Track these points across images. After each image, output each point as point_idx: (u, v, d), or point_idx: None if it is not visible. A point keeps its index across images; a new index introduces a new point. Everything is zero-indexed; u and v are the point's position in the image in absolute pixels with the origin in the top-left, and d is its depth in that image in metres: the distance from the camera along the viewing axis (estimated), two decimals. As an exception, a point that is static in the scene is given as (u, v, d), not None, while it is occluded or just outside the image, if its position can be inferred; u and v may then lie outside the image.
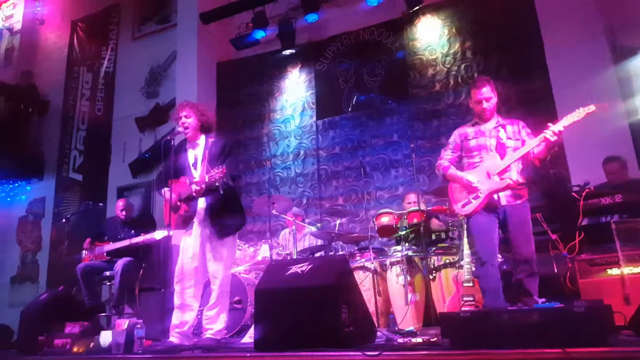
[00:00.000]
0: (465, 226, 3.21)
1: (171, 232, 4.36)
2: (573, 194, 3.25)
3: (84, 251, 5.01)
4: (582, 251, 3.02)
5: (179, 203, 3.38)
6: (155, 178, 5.15)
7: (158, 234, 4.59)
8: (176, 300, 3.34)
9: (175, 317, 3.31)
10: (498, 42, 5.41)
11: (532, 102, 5.10)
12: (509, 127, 3.09)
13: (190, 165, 3.43)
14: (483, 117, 3.12)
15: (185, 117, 3.40)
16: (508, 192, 2.95)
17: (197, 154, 3.44)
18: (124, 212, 5.19)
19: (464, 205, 3.02)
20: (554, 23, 4.94)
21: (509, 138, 3.04)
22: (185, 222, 3.40)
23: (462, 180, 3.04)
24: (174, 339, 3.23)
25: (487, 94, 3.08)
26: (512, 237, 2.89)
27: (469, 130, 3.16)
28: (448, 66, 5.66)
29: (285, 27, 6.24)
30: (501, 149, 3.01)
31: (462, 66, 5.59)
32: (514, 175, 2.97)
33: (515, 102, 5.18)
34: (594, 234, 3.09)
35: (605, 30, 4.76)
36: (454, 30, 5.72)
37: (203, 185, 3.15)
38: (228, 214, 3.32)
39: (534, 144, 2.91)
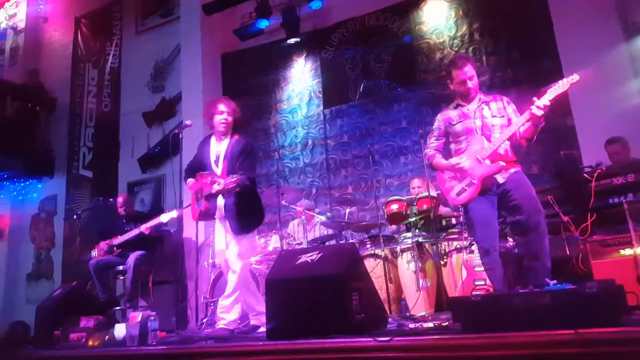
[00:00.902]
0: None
1: (175, 214, 4.39)
2: (585, 175, 3.19)
3: (93, 251, 5.07)
4: (594, 232, 2.99)
5: (200, 198, 3.45)
6: (170, 174, 5.14)
7: (164, 217, 4.62)
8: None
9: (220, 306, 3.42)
10: (506, 23, 5.32)
11: (541, 83, 4.98)
12: (492, 104, 2.98)
13: (212, 162, 3.48)
14: (468, 97, 2.99)
15: (228, 114, 3.44)
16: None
17: (220, 150, 3.48)
18: (123, 208, 5.25)
19: (459, 194, 2.91)
20: (563, 2, 4.83)
21: (494, 116, 2.93)
22: (206, 217, 3.51)
23: (451, 168, 2.93)
24: (221, 324, 3.34)
25: (470, 73, 2.95)
26: (518, 203, 2.75)
27: (452, 114, 3.03)
28: (456, 49, 5.57)
29: (289, 15, 6.18)
30: (487, 129, 2.91)
31: (470, 49, 5.50)
32: (504, 153, 2.88)
33: (525, 83, 5.09)
34: (606, 214, 3.04)
35: (616, 6, 4.64)
36: (460, 12, 5.63)
37: (220, 189, 3.19)
38: (245, 213, 3.38)
39: (520, 122, 2.78)
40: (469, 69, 2.95)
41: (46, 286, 7.38)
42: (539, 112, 2.68)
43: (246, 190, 3.31)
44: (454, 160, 2.94)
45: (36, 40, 8.63)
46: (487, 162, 2.84)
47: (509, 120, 2.91)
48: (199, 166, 3.56)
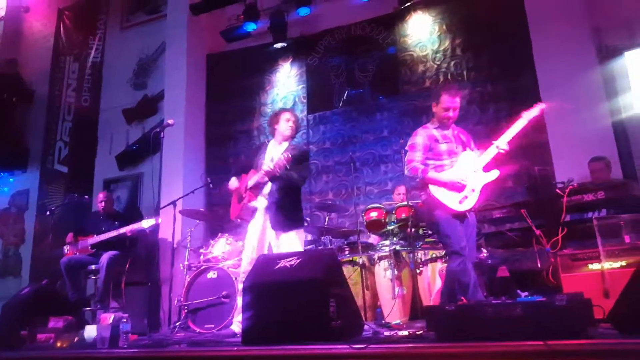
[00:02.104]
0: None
1: (159, 221, 4.35)
2: (557, 190, 3.30)
3: (66, 246, 4.96)
4: (564, 246, 3.07)
5: (244, 192, 3.53)
6: (149, 172, 5.14)
7: (145, 223, 4.57)
8: None
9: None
10: (487, 40, 5.46)
11: (519, 101, 5.15)
12: (462, 136, 3.30)
13: (267, 161, 3.56)
14: (445, 125, 3.23)
15: (294, 122, 3.70)
16: None
17: (275, 153, 3.61)
18: (103, 204, 5.16)
19: (461, 202, 3.03)
20: (542, 22, 4.99)
21: (467, 143, 3.27)
22: (248, 211, 3.55)
23: (449, 181, 3.05)
24: (235, 327, 3.34)
25: (457, 104, 3.18)
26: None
27: (436, 133, 3.21)
28: (438, 63, 5.69)
29: (277, 20, 6.21)
30: (461, 144, 3.23)
31: (452, 63, 5.62)
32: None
33: (504, 100, 5.24)
34: (577, 229, 3.14)
35: (591, 30, 4.82)
36: (444, 27, 5.76)
37: (269, 169, 3.32)
38: (292, 209, 3.49)
39: (492, 155, 3.12)
40: (458, 101, 3.19)
41: (13, 284, 7.13)
42: (505, 149, 3.09)
43: (293, 188, 3.50)
44: (451, 174, 3.09)
45: (16, 29, 8.41)
46: (482, 172, 3.12)
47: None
48: (247, 168, 3.71)
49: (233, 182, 3.65)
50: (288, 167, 3.30)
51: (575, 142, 4.46)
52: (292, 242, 3.38)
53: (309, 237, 4.93)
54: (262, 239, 3.49)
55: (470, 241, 3.08)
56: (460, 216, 3.07)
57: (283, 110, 3.94)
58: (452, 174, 3.08)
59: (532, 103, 4.85)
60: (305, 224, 3.76)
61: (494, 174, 3.10)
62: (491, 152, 3.13)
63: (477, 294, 2.89)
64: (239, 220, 3.65)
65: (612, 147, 4.43)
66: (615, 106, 4.63)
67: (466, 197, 3.05)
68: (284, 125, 3.69)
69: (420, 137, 3.20)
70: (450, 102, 3.15)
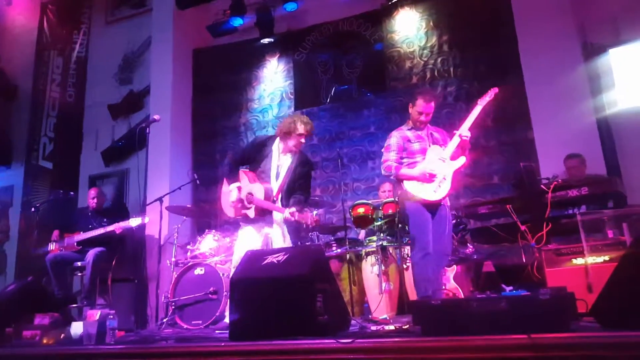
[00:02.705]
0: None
1: (146, 220, 4.32)
2: (542, 186, 3.34)
3: (51, 243, 4.90)
4: (549, 242, 3.12)
5: (247, 203, 3.43)
6: (135, 168, 5.10)
7: (134, 221, 4.54)
8: None
9: None
10: (474, 37, 5.49)
11: (505, 96, 5.18)
12: (436, 134, 3.49)
13: (273, 175, 3.50)
14: (418, 127, 3.44)
15: (305, 137, 3.52)
16: None
17: (281, 164, 3.52)
18: (95, 201, 5.10)
19: (435, 190, 3.24)
20: (528, 19, 5.03)
21: (440, 140, 3.48)
22: (246, 214, 3.48)
23: (422, 174, 3.25)
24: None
25: (431, 109, 3.39)
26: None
27: (409, 134, 3.43)
28: (425, 59, 5.71)
29: (264, 16, 6.18)
30: (437, 143, 3.44)
31: (439, 60, 5.65)
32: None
33: (491, 100, 5.26)
34: (561, 225, 3.20)
35: (577, 27, 4.88)
36: (431, 23, 5.77)
37: (293, 219, 3.23)
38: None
39: (456, 143, 3.33)
40: (433, 106, 3.40)
41: (-3, 281, 7.05)
42: (467, 135, 3.29)
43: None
44: (420, 167, 3.29)
45: (-2, 23, 8.25)
46: (450, 161, 3.33)
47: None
48: (252, 165, 3.60)
49: (233, 194, 3.46)
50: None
51: (560, 139, 4.52)
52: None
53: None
54: (258, 238, 3.47)
55: (443, 236, 3.23)
56: (433, 210, 3.25)
57: (300, 120, 3.54)
58: (422, 167, 3.29)
59: (519, 102, 4.98)
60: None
61: (461, 160, 3.34)
62: (455, 141, 3.33)
63: (428, 290, 3.06)
64: (238, 217, 3.54)
65: (596, 144, 4.50)
66: (599, 103, 4.70)
67: (439, 185, 3.26)
68: (296, 141, 3.49)
69: (394, 139, 3.44)
70: (424, 107, 3.37)
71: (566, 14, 4.88)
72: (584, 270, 2.84)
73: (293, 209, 3.23)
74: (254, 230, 3.51)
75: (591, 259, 2.85)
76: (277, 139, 3.61)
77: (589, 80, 4.75)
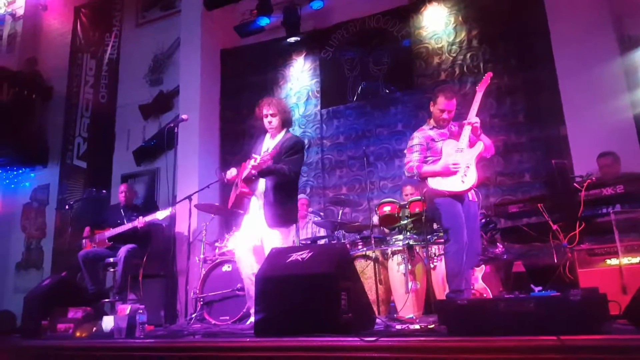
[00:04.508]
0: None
1: (172, 211, 4.39)
2: (575, 184, 3.23)
3: (83, 240, 5.06)
4: (582, 241, 3.02)
5: (238, 182, 3.45)
6: (164, 167, 5.21)
7: (160, 214, 4.63)
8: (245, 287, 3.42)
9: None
10: (504, 30, 5.36)
11: (537, 91, 5.06)
12: (453, 127, 3.41)
13: (262, 153, 3.48)
14: (440, 125, 3.38)
15: (272, 115, 3.49)
16: None
17: (270, 145, 3.53)
18: (124, 195, 5.24)
19: (463, 180, 3.18)
20: (560, 11, 4.87)
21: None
22: (242, 201, 3.44)
23: (443, 168, 3.20)
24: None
25: (452, 107, 3.33)
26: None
27: (431, 133, 3.39)
28: (454, 55, 5.61)
29: (290, 14, 6.20)
30: (456, 136, 3.38)
31: (468, 55, 5.54)
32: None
33: (522, 91, 5.14)
34: (594, 224, 3.08)
35: (612, 19, 4.69)
36: (460, 18, 5.67)
37: (255, 163, 3.20)
38: (282, 204, 3.36)
39: (468, 132, 3.29)
40: (454, 103, 3.34)
41: (35, 276, 7.34)
42: (476, 121, 3.26)
43: (286, 182, 3.36)
44: (442, 162, 3.25)
45: (35, 28, 8.58)
46: (468, 149, 3.27)
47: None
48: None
49: (231, 172, 3.52)
50: (271, 162, 3.19)
51: (594, 135, 4.36)
52: (274, 239, 3.30)
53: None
54: (253, 231, 3.40)
55: (473, 233, 3.15)
56: (461, 200, 3.18)
57: (262, 102, 3.59)
58: (442, 161, 3.24)
59: (551, 95, 4.84)
60: (293, 224, 3.55)
61: (479, 146, 3.27)
62: (467, 130, 3.29)
63: (461, 284, 3.03)
64: (234, 210, 3.52)
65: (633, 141, 4.32)
66: (636, 98, 4.50)
67: (465, 174, 3.19)
68: (264, 122, 3.53)
69: (416, 139, 3.40)
70: (446, 105, 3.30)
71: (601, 5, 4.70)
72: (618, 271, 2.74)
73: (258, 157, 3.18)
74: (251, 214, 3.47)
75: (626, 260, 2.74)
76: None
77: (625, 74, 4.56)
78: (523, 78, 5.16)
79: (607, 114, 4.36)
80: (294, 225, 3.59)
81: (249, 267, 3.36)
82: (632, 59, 4.63)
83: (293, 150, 3.41)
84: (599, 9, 4.70)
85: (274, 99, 3.62)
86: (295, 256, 2.72)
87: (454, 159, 3.22)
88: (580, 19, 4.71)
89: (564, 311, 1.86)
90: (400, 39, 5.96)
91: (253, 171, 3.26)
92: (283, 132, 3.54)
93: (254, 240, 3.40)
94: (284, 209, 3.36)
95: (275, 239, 3.32)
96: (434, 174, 3.24)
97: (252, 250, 3.39)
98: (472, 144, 3.30)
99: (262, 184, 3.40)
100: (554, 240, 3.18)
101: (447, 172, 3.19)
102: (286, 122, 3.57)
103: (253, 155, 3.27)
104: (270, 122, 3.50)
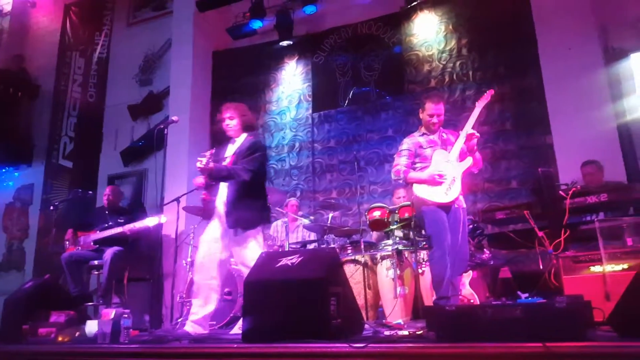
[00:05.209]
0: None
1: (163, 220, 4.38)
2: (560, 192, 3.28)
3: (66, 242, 4.97)
4: (567, 248, 3.06)
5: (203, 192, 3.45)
6: (153, 168, 5.16)
7: (150, 221, 4.57)
8: (196, 290, 3.34)
9: (194, 307, 3.30)
10: (494, 40, 5.44)
11: (524, 100, 5.14)
12: (445, 134, 3.48)
13: (224, 158, 3.48)
14: (431, 130, 3.44)
15: (229, 118, 3.50)
16: None
17: (232, 150, 3.52)
18: (107, 198, 5.16)
19: (447, 193, 3.24)
20: (548, 22, 4.97)
21: (451, 142, 3.47)
22: (207, 208, 3.41)
23: (431, 177, 3.24)
24: (188, 328, 3.21)
25: (440, 111, 3.40)
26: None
27: (421, 139, 3.45)
28: (444, 63, 5.68)
29: (283, 18, 6.21)
30: (446, 145, 3.43)
31: (458, 63, 5.61)
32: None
33: (510, 100, 5.21)
34: (579, 231, 3.13)
35: (598, 30, 4.79)
36: (450, 27, 5.74)
37: (201, 166, 3.17)
38: (242, 207, 3.28)
39: (461, 143, 3.34)
40: (441, 107, 3.41)
41: (16, 278, 7.19)
42: (473, 133, 3.30)
43: (247, 184, 3.27)
44: (428, 171, 3.30)
45: (22, 24, 8.45)
46: (457, 162, 3.34)
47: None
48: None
49: (198, 180, 3.47)
50: (213, 164, 3.16)
51: (579, 144, 4.45)
52: (242, 245, 3.26)
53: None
54: (217, 245, 3.31)
55: (458, 237, 3.19)
56: (447, 211, 3.23)
57: (222, 106, 3.59)
58: (430, 170, 3.30)
59: (538, 104, 4.92)
60: (261, 226, 3.45)
61: (468, 161, 3.35)
62: (460, 141, 3.35)
63: (447, 291, 3.06)
64: (208, 220, 3.45)
65: (616, 150, 4.41)
66: (620, 108, 4.60)
67: (449, 187, 3.26)
68: (223, 125, 3.52)
69: (405, 145, 3.47)
70: (434, 109, 3.38)
71: (587, 16, 4.80)
72: (602, 279, 2.78)
73: (203, 159, 3.16)
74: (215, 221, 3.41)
75: (609, 267, 2.79)
76: None
77: (610, 84, 4.66)
78: (511, 86, 5.24)
79: (591, 123, 4.45)
80: (261, 227, 3.48)
81: (208, 276, 3.28)
82: (617, 70, 4.73)
83: (251, 150, 3.38)
84: (585, 21, 4.80)
85: (234, 103, 3.64)
86: (285, 261, 2.72)
87: (442, 169, 3.28)
88: (566, 30, 4.81)
89: (550, 318, 1.89)
90: (391, 46, 6.02)
91: (200, 173, 3.26)
92: (244, 136, 3.52)
93: (217, 252, 3.29)
94: (249, 212, 3.29)
95: (243, 243, 3.27)
96: (420, 182, 3.31)
97: (216, 262, 3.29)
98: (462, 158, 3.37)
99: (223, 189, 3.36)
100: (539, 246, 3.22)
101: (432, 182, 3.25)
102: (246, 126, 3.55)
103: (198, 157, 3.21)
104: (228, 125, 3.50)
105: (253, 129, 3.68)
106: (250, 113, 3.68)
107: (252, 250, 3.26)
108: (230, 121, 3.49)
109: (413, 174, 3.36)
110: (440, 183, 3.24)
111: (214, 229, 3.35)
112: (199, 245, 3.40)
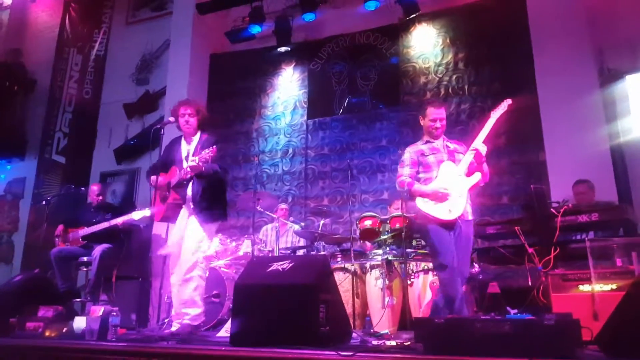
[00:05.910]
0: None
1: (148, 213, 4.36)
2: (552, 209, 3.32)
3: (56, 238, 4.94)
4: (556, 266, 3.08)
5: (167, 192, 3.45)
6: (146, 168, 5.19)
7: (136, 215, 4.54)
8: (173, 290, 3.41)
9: (175, 307, 3.36)
10: (490, 55, 5.50)
11: (519, 116, 5.17)
12: (452, 145, 3.37)
13: (183, 158, 3.52)
14: (434, 135, 3.33)
15: (189, 115, 3.51)
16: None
17: (190, 148, 3.54)
18: (100, 197, 5.14)
19: (450, 210, 3.09)
20: (545, 41, 5.03)
21: (457, 152, 3.34)
22: (174, 211, 3.48)
23: (435, 193, 3.11)
24: (175, 328, 3.26)
25: (442, 115, 3.31)
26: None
27: (423, 147, 3.34)
28: (440, 76, 5.73)
29: (282, 24, 6.24)
30: (452, 157, 3.29)
31: (454, 77, 5.66)
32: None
33: (504, 115, 5.24)
34: (569, 250, 3.16)
35: (594, 51, 4.87)
36: (448, 40, 5.80)
37: (195, 164, 3.23)
38: (212, 203, 3.42)
39: (470, 158, 3.19)
40: (443, 112, 3.32)
41: (4, 271, 7.12)
42: (484, 149, 3.15)
43: (217, 179, 3.41)
44: (434, 185, 3.16)
45: (21, 19, 8.41)
46: (464, 177, 3.18)
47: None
48: (165, 165, 3.61)
49: (155, 180, 3.49)
50: (210, 161, 3.24)
51: (572, 163, 4.49)
52: (203, 233, 3.38)
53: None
54: (184, 236, 3.43)
55: (462, 254, 3.09)
56: (451, 228, 3.09)
57: (180, 102, 3.62)
58: (435, 185, 3.17)
59: (532, 121, 4.96)
60: (220, 221, 3.57)
61: (477, 177, 3.19)
62: (469, 156, 3.21)
63: (462, 309, 2.94)
64: (165, 222, 3.59)
65: (608, 170, 4.46)
66: (614, 129, 4.66)
67: (454, 204, 3.11)
68: (181, 121, 3.52)
69: (407, 154, 3.36)
70: (436, 114, 3.29)
71: (583, 37, 4.87)
72: (591, 298, 2.80)
73: (196, 158, 3.24)
74: (182, 220, 3.52)
75: (598, 287, 2.81)
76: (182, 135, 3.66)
77: (605, 105, 4.72)
78: (506, 103, 5.28)
79: (585, 143, 4.50)
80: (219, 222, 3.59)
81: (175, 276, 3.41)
82: (611, 91, 4.79)
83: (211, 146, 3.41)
84: (581, 41, 4.86)
85: (194, 101, 3.68)
86: (276, 266, 2.72)
87: (448, 184, 3.13)
88: (563, 49, 4.87)
89: (538, 335, 1.90)
90: (388, 57, 6.06)
91: (189, 175, 3.32)
92: (199, 134, 3.57)
93: (178, 236, 3.45)
94: (216, 208, 3.44)
95: (201, 233, 3.36)
96: (424, 195, 3.16)
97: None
98: (470, 173, 3.21)
99: (189, 190, 3.44)
100: (529, 263, 3.24)
101: (436, 198, 3.11)
102: (202, 124, 3.59)
103: (198, 156, 3.27)
104: (187, 122, 3.52)
105: (207, 126, 3.70)
106: (205, 111, 3.70)
107: (197, 232, 3.35)
108: (190, 118, 3.51)
109: (417, 187, 3.20)
110: (444, 199, 3.10)
111: (181, 227, 3.46)
112: (170, 245, 3.52)
